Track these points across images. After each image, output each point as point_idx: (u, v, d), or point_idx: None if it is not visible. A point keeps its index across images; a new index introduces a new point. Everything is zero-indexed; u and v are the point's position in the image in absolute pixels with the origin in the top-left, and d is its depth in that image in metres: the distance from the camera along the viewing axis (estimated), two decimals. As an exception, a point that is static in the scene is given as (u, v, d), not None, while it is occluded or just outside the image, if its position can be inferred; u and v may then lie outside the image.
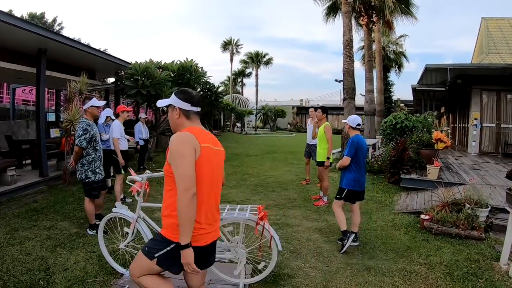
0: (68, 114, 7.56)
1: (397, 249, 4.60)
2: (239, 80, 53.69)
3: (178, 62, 12.26)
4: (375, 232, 5.31)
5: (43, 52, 7.80)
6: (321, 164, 7.06)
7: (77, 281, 3.58)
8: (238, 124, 41.26)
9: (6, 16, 6.35)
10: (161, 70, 10.63)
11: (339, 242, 4.73)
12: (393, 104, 31.19)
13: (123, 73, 10.60)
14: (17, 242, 4.60)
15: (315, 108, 8.30)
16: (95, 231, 4.76)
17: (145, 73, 10.24)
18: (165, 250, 2.12)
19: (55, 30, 31.83)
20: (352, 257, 4.38)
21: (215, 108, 19.84)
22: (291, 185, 8.79)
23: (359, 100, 22.52)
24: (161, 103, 2.42)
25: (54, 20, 33.55)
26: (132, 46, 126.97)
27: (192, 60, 12.11)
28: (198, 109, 2.32)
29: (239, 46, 46.00)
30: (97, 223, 4.67)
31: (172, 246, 2.10)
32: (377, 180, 8.97)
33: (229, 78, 49.69)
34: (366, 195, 7.40)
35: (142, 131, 10.30)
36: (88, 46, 9.28)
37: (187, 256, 2.02)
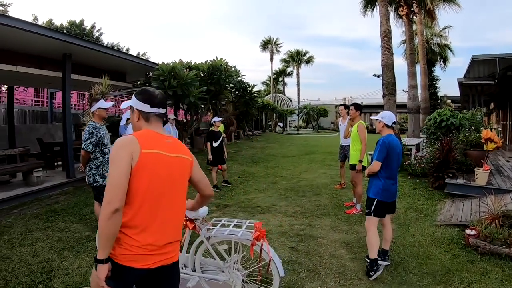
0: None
1: (435, 272, 3.86)
2: (280, 79, 53.39)
3: (209, 62, 12.02)
4: (411, 249, 4.55)
5: (67, 56, 7.95)
6: (354, 167, 6.41)
7: (74, 288, 3.50)
8: (280, 124, 40.93)
9: (31, 26, 6.62)
10: (188, 70, 10.40)
11: (367, 260, 4.08)
12: (439, 101, 29.18)
13: (151, 74, 10.54)
14: (29, 243, 4.71)
15: (345, 106, 7.63)
16: None
17: (172, 73, 10.06)
18: None
19: (94, 37, 33.14)
20: (379, 280, 3.72)
21: (250, 107, 19.44)
22: (324, 190, 8.17)
23: (402, 98, 21.22)
24: (124, 104, 2.11)
25: (93, 27, 34.68)
26: (174, 49, 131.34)
27: (222, 59, 11.84)
28: (161, 110, 2.04)
29: (279, 45, 46.19)
30: None
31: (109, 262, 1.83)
32: (420, 185, 8.08)
33: (270, 77, 49.53)
34: (406, 203, 6.69)
35: (170, 132, 10.10)
36: (111, 49, 9.45)
37: (99, 271, 1.78)
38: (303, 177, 10.05)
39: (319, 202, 7.08)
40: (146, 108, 1.98)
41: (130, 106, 2.06)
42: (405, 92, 17.90)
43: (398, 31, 37.83)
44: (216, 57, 11.88)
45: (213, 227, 2.99)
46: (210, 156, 8.22)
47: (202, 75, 11.65)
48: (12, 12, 43.89)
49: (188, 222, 2.94)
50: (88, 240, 4.80)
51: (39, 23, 30.39)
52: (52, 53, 7.99)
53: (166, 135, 2.02)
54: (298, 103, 47.38)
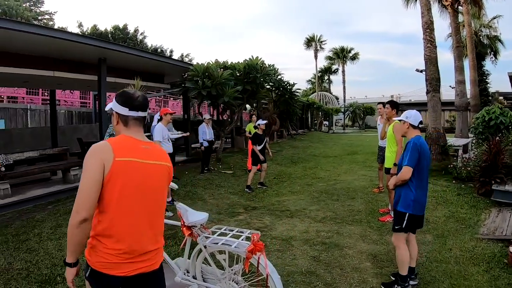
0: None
1: (469, 296, 3.39)
2: (325, 77, 52.58)
3: (245, 61, 11.90)
4: (446, 266, 4.03)
5: (102, 60, 8.28)
6: (389, 171, 5.95)
7: (88, 283, 3.50)
8: (326, 123, 40.27)
9: (67, 34, 7.18)
10: (222, 69, 10.35)
11: (392, 278, 3.69)
12: (489, 98, 26.89)
13: (186, 75, 10.63)
14: (56, 237, 4.92)
15: (383, 104, 7.12)
16: None
17: (206, 73, 10.07)
18: (87, 273, 1.86)
19: (138, 40, 34.41)
20: (403, 300, 3.35)
21: (290, 106, 19.11)
22: (360, 193, 7.73)
23: (451, 95, 19.81)
24: (107, 107, 2.03)
25: (136, 31, 35.81)
26: (217, 50, 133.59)
27: (257, 57, 11.66)
28: (140, 113, 1.94)
29: (323, 42, 45.75)
30: None
31: (89, 269, 1.83)
32: (465, 191, 7.38)
33: (315, 75, 48.90)
34: (447, 210, 6.13)
35: (206, 132, 10.12)
36: (144, 51, 10.01)
37: (67, 274, 1.86)
38: (341, 179, 9.65)
39: (353, 207, 6.69)
40: (124, 111, 1.90)
41: (111, 109, 1.99)
42: (452, 88, 16.69)
43: (444, 23, 35.52)
44: (252, 56, 11.76)
45: (210, 236, 2.82)
46: (261, 157, 8.28)
47: (238, 74, 11.57)
48: (57, 20, 47.09)
49: (184, 229, 2.82)
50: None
51: (84, 28, 32.19)
52: (88, 58, 8.34)
53: (143, 141, 1.93)
54: (344, 101, 46.31)
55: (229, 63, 11.78)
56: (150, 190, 1.86)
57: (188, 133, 8.83)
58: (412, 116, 3.60)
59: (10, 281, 3.70)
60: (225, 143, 15.51)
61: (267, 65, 12.31)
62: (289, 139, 21.81)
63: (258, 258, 2.54)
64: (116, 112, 1.93)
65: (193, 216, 2.80)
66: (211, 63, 10.92)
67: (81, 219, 1.65)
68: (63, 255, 4.20)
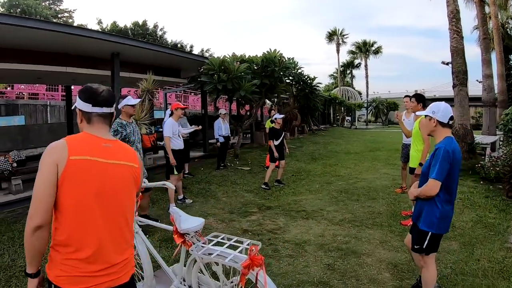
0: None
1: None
2: (348, 72, 51.82)
3: (263, 54, 11.58)
4: (472, 279, 3.59)
5: (115, 55, 8.23)
6: (413, 171, 5.52)
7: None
8: (349, 118, 39.62)
9: (80, 30, 7.20)
10: (238, 63, 10.06)
11: None
12: None
13: (202, 69, 10.43)
14: None
15: (410, 97, 6.63)
16: None
17: (222, 67, 9.81)
18: None
19: (158, 36, 34.61)
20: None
21: (311, 101, 18.67)
22: (382, 193, 7.31)
23: (478, 91, 18.98)
24: (73, 106, 1.90)
25: (156, 26, 36.05)
26: (239, 45, 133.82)
27: (275, 50, 11.28)
28: (104, 110, 1.78)
29: (345, 36, 45.37)
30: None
31: (52, 287, 1.63)
32: (493, 193, 6.86)
33: (337, 70, 48.16)
34: (475, 215, 5.67)
35: (221, 127, 9.90)
36: (157, 45, 10.12)
37: (28, 285, 1.66)
38: (362, 177, 9.25)
39: (373, 208, 6.30)
40: (87, 107, 1.75)
41: (75, 107, 1.81)
42: (480, 82, 15.86)
43: (470, 15, 34.10)
44: (270, 49, 11.40)
45: (205, 245, 2.54)
46: (276, 154, 7.98)
47: (255, 68, 11.27)
48: (77, 18, 48.52)
49: (176, 236, 2.57)
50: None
51: (104, 25, 32.65)
52: (100, 53, 8.32)
53: (105, 139, 1.75)
54: (367, 96, 45.35)
55: (246, 56, 11.50)
56: (111, 193, 1.68)
57: (200, 127, 8.61)
58: (441, 110, 2.91)
59: (11, 278, 3.64)
60: (244, 138, 15.31)
61: (286, 58, 11.92)
62: (310, 134, 21.47)
63: (257, 274, 2.24)
64: (80, 109, 1.77)
65: (187, 222, 2.54)
66: (228, 56, 10.66)
67: (35, 226, 1.51)
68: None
